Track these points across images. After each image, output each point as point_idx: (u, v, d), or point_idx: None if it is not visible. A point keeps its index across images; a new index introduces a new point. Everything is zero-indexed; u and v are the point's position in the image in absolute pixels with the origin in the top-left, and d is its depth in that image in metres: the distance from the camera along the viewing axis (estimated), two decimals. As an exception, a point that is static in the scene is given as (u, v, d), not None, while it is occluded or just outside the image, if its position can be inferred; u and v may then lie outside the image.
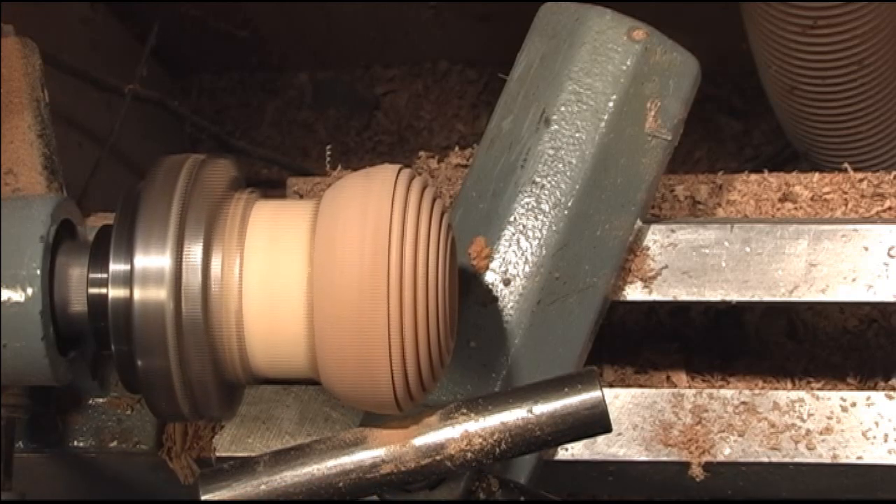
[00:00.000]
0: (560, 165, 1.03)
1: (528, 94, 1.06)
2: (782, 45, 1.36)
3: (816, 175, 1.19)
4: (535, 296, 1.02)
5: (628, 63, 1.04)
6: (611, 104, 1.04)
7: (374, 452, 0.90)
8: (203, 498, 0.90)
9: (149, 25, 1.91)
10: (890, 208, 1.15)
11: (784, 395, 1.07)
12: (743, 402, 1.07)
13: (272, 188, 1.21)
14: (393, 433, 0.91)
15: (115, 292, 0.86)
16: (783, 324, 1.24)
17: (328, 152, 2.02)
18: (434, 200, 0.89)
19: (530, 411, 0.89)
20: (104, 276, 0.88)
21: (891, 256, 1.07)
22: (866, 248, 1.07)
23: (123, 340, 0.86)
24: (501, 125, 1.07)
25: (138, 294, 0.85)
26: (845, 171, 1.19)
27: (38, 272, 0.89)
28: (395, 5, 2.05)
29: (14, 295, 0.88)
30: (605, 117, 1.03)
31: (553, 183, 1.03)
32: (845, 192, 1.17)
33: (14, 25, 1.11)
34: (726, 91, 2.04)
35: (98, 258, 0.90)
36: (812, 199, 1.17)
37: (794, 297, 1.07)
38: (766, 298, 1.07)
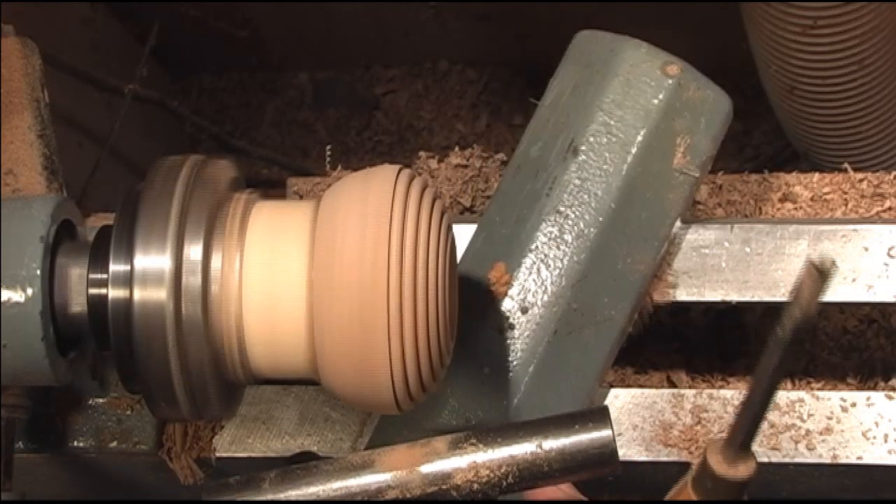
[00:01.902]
0: (585, 196, 1.02)
1: (558, 122, 1.05)
2: (782, 45, 1.36)
3: (816, 175, 1.19)
4: (552, 325, 1.01)
5: (660, 97, 1.03)
6: (640, 138, 1.02)
7: (380, 477, 0.90)
8: None
9: (149, 25, 1.91)
10: (890, 208, 1.15)
11: (784, 395, 1.07)
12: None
13: (272, 188, 1.21)
14: (400, 459, 0.90)
15: (115, 293, 0.86)
16: (783, 324, 1.24)
17: (328, 152, 2.02)
18: (434, 201, 0.89)
19: (540, 446, 0.89)
20: (104, 276, 0.88)
21: (891, 256, 1.07)
22: (866, 248, 1.07)
23: (123, 340, 0.86)
24: (529, 151, 1.06)
25: (138, 294, 0.85)
26: (845, 171, 1.19)
27: (38, 272, 0.89)
28: (395, 5, 2.05)
29: (14, 295, 0.88)
30: (634, 151, 1.02)
31: (577, 213, 1.02)
32: (845, 192, 1.17)
33: (14, 25, 1.11)
34: (726, 91, 2.04)
35: (98, 258, 0.90)
36: (812, 199, 1.17)
37: (795, 297, 1.07)
38: (766, 298, 1.07)
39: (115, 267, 0.87)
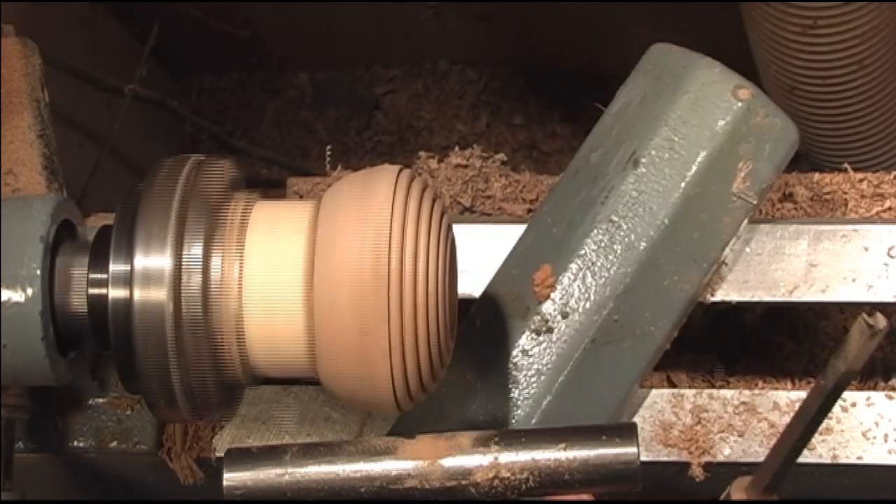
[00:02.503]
0: (640, 209, 1.01)
1: (622, 131, 1.04)
2: (782, 45, 1.36)
3: (816, 175, 1.18)
4: (591, 334, 1.00)
5: (727, 120, 1.02)
6: (702, 157, 1.01)
7: (401, 465, 0.90)
8: (226, 475, 0.90)
9: (149, 25, 1.91)
10: (890, 208, 1.15)
11: (784, 395, 1.07)
12: (743, 402, 1.07)
13: (272, 188, 1.21)
14: (424, 449, 0.91)
15: (115, 292, 0.86)
16: (783, 324, 1.24)
17: (328, 152, 2.02)
18: (434, 201, 0.89)
19: (563, 454, 0.89)
20: (104, 276, 0.88)
21: (891, 256, 1.07)
22: (866, 248, 1.07)
23: (123, 340, 0.86)
24: (590, 157, 1.05)
25: (138, 294, 0.85)
26: (845, 171, 1.19)
27: (38, 272, 0.89)
28: (395, 5, 2.05)
29: (14, 295, 0.88)
30: (694, 169, 1.01)
31: (630, 225, 1.01)
32: (845, 192, 1.17)
33: (14, 25, 1.11)
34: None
35: (98, 258, 0.90)
36: (812, 199, 1.17)
37: (794, 297, 1.07)
38: (766, 298, 1.07)
39: (115, 267, 0.87)
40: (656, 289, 1.01)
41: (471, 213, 1.20)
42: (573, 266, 1.02)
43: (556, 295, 1.01)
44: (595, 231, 1.02)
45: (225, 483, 0.91)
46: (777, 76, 1.40)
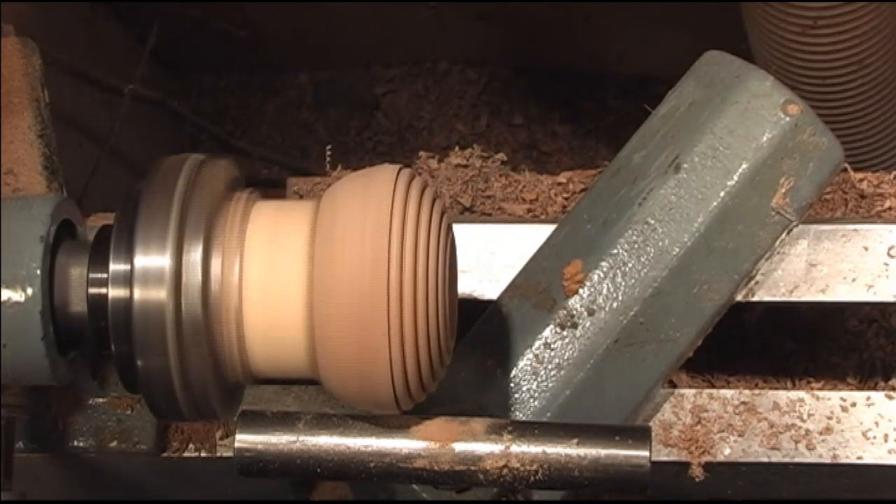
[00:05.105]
0: (677, 214, 1.01)
1: (667, 135, 1.04)
2: (782, 45, 1.36)
3: (817, 175, 1.18)
4: (615, 334, 1.01)
5: (774, 134, 1.01)
6: (744, 169, 1.01)
7: (413, 444, 0.91)
8: (238, 437, 0.91)
9: (149, 25, 1.91)
10: (890, 208, 1.15)
11: (784, 395, 1.07)
12: (743, 402, 1.07)
13: (272, 188, 1.21)
14: (437, 431, 0.91)
15: (115, 292, 0.86)
16: (783, 324, 1.24)
17: (328, 152, 2.02)
18: (434, 200, 0.89)
19: (575, 450, 0.90)
20: (104, 276, 0.88)
21: (891, 256, 1.07)
22: (866, 248, 1.07)
23: (123, 340, 0.86)
24: (632, 157, 1.05)
25: (138, 294, 0.85)
26: (845, 171, 1.19)
27: (38, 272, 0.89)
28: (395, 5, 2.05)
29: (14, 295, 0.88)
30: (735, 180, 1.01)
31: (665, 229, 1.01)
32: (845, 193, 1.17)
33: (14, 25, 1.12)
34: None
35: (98, 258, 0.90)
36: (812, 198, 1.17)
37: (794, 297, 1.07)
38: (767, 298, 1.07)
39: (115, 266, 0.87)
40: (685, 295, 1.01)
41: (471, 213, 1.20)
42: (604, 264, 1.02)
43: (584, 291, 1.01)
44: (630, 231, 1.02)
45: (236, 444, 0.91)
46: (777, 76, 1.40)
